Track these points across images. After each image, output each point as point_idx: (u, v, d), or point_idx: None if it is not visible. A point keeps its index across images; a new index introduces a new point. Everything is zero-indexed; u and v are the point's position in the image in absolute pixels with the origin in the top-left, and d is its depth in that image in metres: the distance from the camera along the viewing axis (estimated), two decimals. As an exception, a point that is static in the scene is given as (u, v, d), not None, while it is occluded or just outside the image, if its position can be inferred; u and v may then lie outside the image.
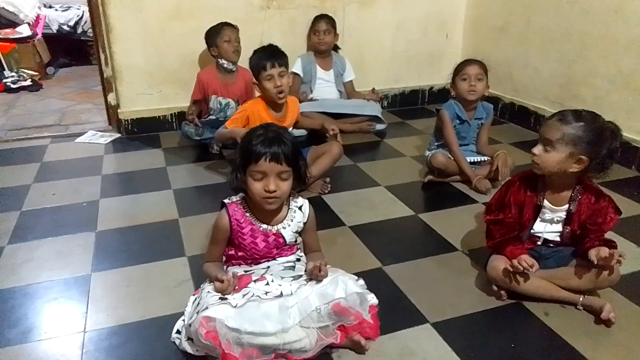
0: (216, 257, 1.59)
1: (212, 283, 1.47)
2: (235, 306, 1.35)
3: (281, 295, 1.41)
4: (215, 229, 1.56)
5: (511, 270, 1.60)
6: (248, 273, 1.52)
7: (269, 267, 1.55)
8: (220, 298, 1.38)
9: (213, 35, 3.04)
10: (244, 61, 3.08)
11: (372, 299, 1.51)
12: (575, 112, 1.57)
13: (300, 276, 1.50)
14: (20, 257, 1.96)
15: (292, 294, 1.41)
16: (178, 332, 1.49)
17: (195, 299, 1.49)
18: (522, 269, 1.56)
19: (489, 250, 1.76)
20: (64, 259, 1.95)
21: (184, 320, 1.49)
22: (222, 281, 1.39)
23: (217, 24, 3.04)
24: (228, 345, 1.29)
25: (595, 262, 1.53)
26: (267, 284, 1.45)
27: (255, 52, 2.36)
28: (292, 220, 1.56)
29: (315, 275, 1.43)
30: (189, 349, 1.41)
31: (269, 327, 1.34)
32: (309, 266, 1.49)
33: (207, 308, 1.33)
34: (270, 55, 2.29)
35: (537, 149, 1.61)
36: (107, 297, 1.73)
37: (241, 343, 1.31)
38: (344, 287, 1.40)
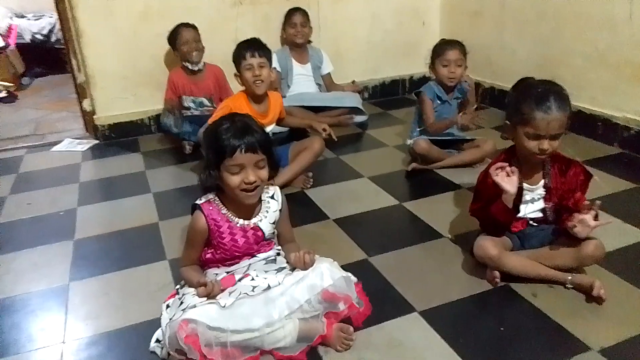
0: (193, 260, 1.54)
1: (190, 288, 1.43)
2: (224, 306, 1.31)
3: (269, 287, 1.38)
4: (191, 231, 1.50)
5: (496, 176, 1.54)
6: (230, 274, 1.48)
7: (250, 264, 1.51)
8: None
9: (172, 38, 3.00)
10: (222, 58, 3.00)
11: (354, 278, 1.49)
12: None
13: (284, 268, 1.48)
14: (-5, 271, 1.91)
15: (279, 284, 1.38)
16: (158, 340, 1.44)
17: (173, 301, 1.45)
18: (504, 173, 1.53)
19: (470, 215, 1.73)
20: (41, 270, 1.90)
21: (162, 329, 1.43)
22: (205, 285, 1.35)
23: (175, 26, 2.98)
24: (209, 350, 1.25)
25: (575, 226, 1.52)
26: (253, 279, 1.42)
27: (238, 44, 2.34)
28: (267, 212, 1.53)
29: (301, 264, 1.41)
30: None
31: (255, 323, 1.31)
32: (292, 257, 1.46)
33: (194, 306, 1.30)
34: (250, 45, 2.29)
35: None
36: (86, 306, 1.68)
37: (223, 342, 1.27)
38: (330, 274, 1.39)
